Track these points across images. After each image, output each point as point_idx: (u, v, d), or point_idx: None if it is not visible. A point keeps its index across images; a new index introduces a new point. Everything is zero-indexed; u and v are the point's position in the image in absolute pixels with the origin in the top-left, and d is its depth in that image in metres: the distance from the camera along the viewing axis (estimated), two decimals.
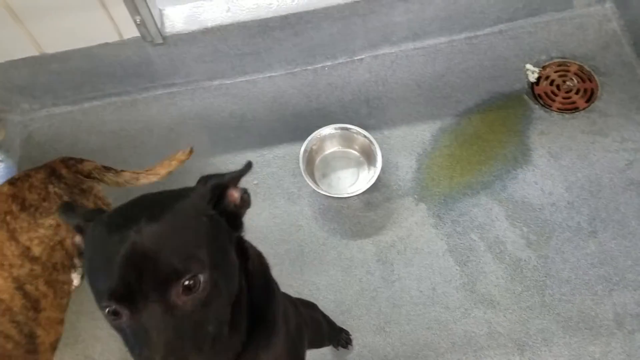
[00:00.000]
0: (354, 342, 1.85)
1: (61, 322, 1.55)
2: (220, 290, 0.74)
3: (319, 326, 1.56)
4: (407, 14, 2.24)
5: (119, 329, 0.72)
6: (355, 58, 2.39)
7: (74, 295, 2.06)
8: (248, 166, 0.87)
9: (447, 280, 1.93)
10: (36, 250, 1.47)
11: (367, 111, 2.27)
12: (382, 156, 2.06)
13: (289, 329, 1.02)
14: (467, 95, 2.26)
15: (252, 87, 2.39)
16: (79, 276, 2.07)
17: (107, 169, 1.71)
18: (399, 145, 2.19)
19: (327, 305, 1.90)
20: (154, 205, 0.76)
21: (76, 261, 2.06)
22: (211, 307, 0.72)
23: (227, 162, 2.25)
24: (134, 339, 0.69)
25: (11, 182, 1.58)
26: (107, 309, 0.70)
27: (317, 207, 2.12)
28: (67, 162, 1.67)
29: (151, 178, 1.78)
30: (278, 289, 1.02)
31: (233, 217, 0.84)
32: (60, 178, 1.61)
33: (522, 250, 1.93)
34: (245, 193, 0.87)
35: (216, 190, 0.81)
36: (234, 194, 0.85)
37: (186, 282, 0.69)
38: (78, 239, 0.84)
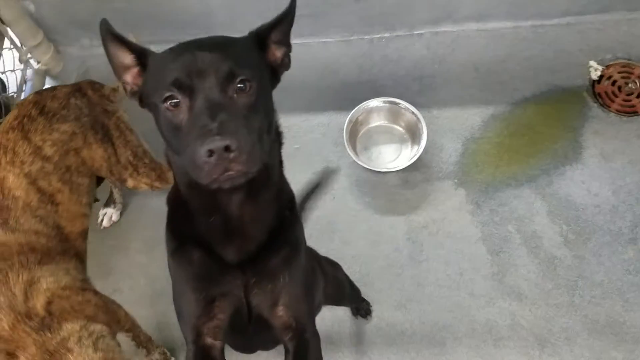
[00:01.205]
0: (373, 315, 1.92)
1: (84, 215, 1.68)
2: (263, 106, 0.89)
3: (340, 285, 1.64)
4: None
5: (176, 121, 0.85)
6: (415, 32, 2.43)
7: (110, 230, 2.21)
8: (290, 9, 0.96)
9: (476, 268, 1.97)
10: (48, 151, 1.61)
11: (418, 88, 2.31)
12: (428, 135, 2.10)
13: (305, 264, 1.09)
14: (525, 84, 2.26)
15: (306, 50, 2.45)
16: (118, 212, 2.21)
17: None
18: (446, 127, 2.23)
19: (352, 275, 1.95)
20: (215, 39, 0.92)
21: (116, 196, 2.19)
22: (257, 113, 0.86)
23: None
24: (189, 124, 0.83)
25: (37, 92, 1.78)
26: (168, 99, 0.84)
27: (354, 179, 2.18)
28: (93, 84, 1.86)
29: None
30: (301, 223, 1.11)
31: (274, 71, 0.98)
32: (84, 95, 1.80)
33: (558, 248, 1.95)
34: (286, 56, 1.00)
35: (261, 34, 0.95)
36: (276, 53, 0.98)
37: (239, 84, 0.85)
38: (128, 77, 0.97)
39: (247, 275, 0.99)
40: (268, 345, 1.34)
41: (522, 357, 1.80)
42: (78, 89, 1.81)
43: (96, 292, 1.53)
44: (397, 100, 2.19)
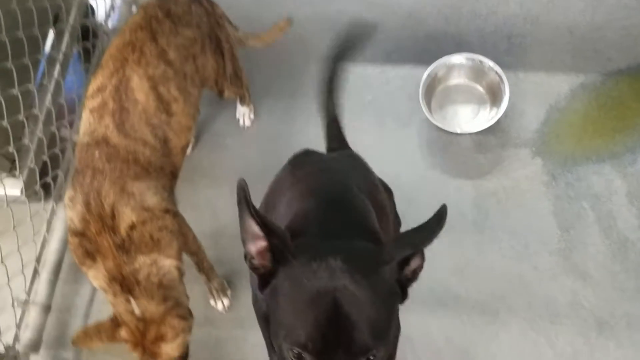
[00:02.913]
0: (427, 276, 1.97)
1: (190, 129, 1.82)
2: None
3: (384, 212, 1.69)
4: None
5: None
6: None
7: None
8: (439, 225, 0.93)
9: (542, 242, 1.97)
10: (172, 55, 1.73)
11: (506, 47, 2.27)
12: (510, 99, 2.08)
13: None
14: (621, 55, 2.19)
15: None
16: (252, 112, 2.35)
17: (230, 22, 2.09)
18: (531, 92, 2.19)
19: None
20: (356, 263, 0.89)
21: (247, 95, 2.30)
22: None
23: (347, 71, 2.36)
24: None
25: None
26: (293, 351, 0.84)
27: (425, 137, 2.20)
28: None
29: (257, 43, 2.24)
30: None
31: (402, 286, 0.94)
32: (201, 5, 1.91)
33: (632, 231, 1.93)
34: (420, 268, 0.95)
35: (405, 257, 0.92)
36: (412, 265, 0.94)
37: (369, 357, 0.83)
38: (253, 248, 0.94)
39: None
40: None
41: (578, 337, 1.82)
42: None
43: (175, 214, 1.68)
44: (482, 58, 2.17)
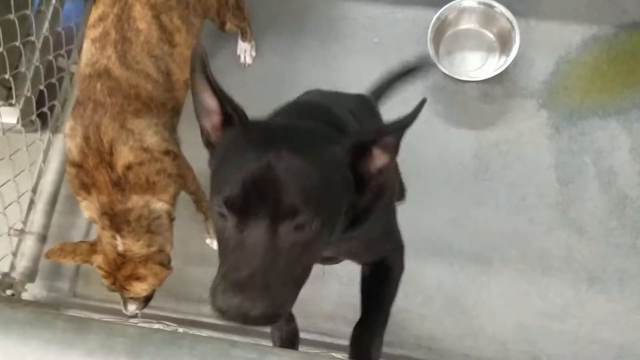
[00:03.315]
0: (422, 224, 1.99)
1: None
2: (319, 242, 0.82)
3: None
4: None
5: (220, 230, 0.81)
6: None
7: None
8: (412, 116, 0.84)
9: (541, 195, 1.98)
10: None
11: None
12: (520, 47, 2.03)
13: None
14: (637, 7, 2.13)
15: None
16: (254, 47, 2.29)
17: None
18: (541, 41, 2.14)
19: (410, 181, 2.00)
20: (301, 137, 0.85)
21: (248, 30, 2.22)
22: (307, 252, 0.81)
23: (354, 11, 2.30)
24: (228, 246, 0.79)
25: None
26: (218, 210, 0.80)
27: (430, 83, 2.17)
28: None
29: None
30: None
31: (361, 180, 0.87)
32: None
33: (632, 187, 1.93)
34: (386, 168, 0.87)
35: (365, 143, 0.85)
36: (376, 162, 0.87)
37: (298, 222, 0.77)
38: (207, 123, 0.90)
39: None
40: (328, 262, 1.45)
41: (568, 289, 1.85)
42: None
43: (175, 156, 1.65)
44: (494, 3, 2.10)
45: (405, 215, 2.02)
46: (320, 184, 0.80)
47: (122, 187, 1.54)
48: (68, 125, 1.60)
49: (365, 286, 1.15)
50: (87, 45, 1.62)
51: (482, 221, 1.98)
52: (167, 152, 1.61)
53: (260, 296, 0.74)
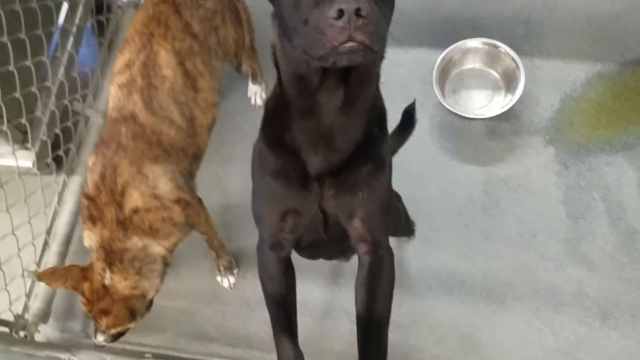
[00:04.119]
0: (433, 261, 2.00)
1: (216, 104, 1.85)
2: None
3: (398, 215, 1.73)
4: None
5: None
6: None
7: None
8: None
9: (551, 231, 1.99)
10: (196, 27, 1.75)
11: (523, 33, 2.26)
12: (525, 85, 2.08)
13: (387, 182, 1.19)
14: (639, 44, 2.17)
15: None
16: (264, 89, 2.37)
17: None
18: (546, 79, 2.19)
19: (419, 217, 2.04)
20: None
21: (259, 74, 2.31)
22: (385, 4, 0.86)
23: None
24: (315, 1, 0.80)
25: None
26: None
27: (437, 121, 2.21)
28: None
29: None
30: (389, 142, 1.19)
31: None
32: None
33: None
34: None
35: None
36: None
37: None
38: None
39: (325, 187, 1.08)
40: (335, 254, 1.50)
41: (581, 326, 1.85)
42: None
43: (186, 205, 1.69)
44: (498, 43, 2.16)
45: (416, 251, 2.05)
46: None
47: (126, 227, 1.60)
48: (91, 160, 1.67)
49: (362, 322, 1.17)
50: (114, 90, 1.69)
51: (493, 257, 1.99)
52: (178, 201, 1.66)
53: (370, 4, 0.77)
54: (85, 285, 1.64)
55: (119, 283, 1.62)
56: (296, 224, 1.14)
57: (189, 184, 1.75)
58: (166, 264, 1.73)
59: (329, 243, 1.20)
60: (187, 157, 1.72)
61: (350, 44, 0.78)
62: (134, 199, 1.58)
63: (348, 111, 1.00)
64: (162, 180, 1.62)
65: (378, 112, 1.11)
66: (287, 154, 1.07)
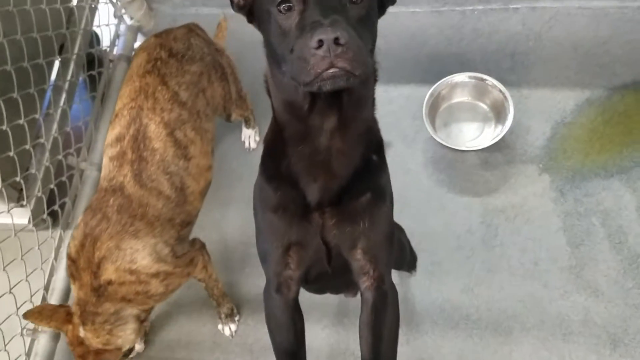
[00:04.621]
0: (437, 295, 1.98)
1: (209, 168, 1.84)
2: (371, 23, 0.95)
3: (402, 248, 1.72)
4: None
5: (284, 28, 0.90)
6: (511, 6, 2.40)
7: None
8: None
9: (553, 259, 1.97)
10: (183, 95, 1.75)
11: (509, 65, 2.29)
12: (514, 116, 2.10)
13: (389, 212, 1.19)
14: (626, 69, 2.20)
15: (393, 20, 2.48)
16: (257, 133, 2.40)
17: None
18: (535, 108, 2.21)
19: (420, 252, 2.03)
20: None
21: (251, 118, 2.34)
22: (365, 27, 0.91)
23: None
24: (300, 25, 0.87)
25: (156, 35, 1.91)
26: (281, 3, 0.89)
27: (430, 155, 2.22)
28: (198, 26, 2.01)
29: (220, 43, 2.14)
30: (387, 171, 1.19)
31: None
32: (198, 35, 1.94)
33: None
34: None
35: None
36: None
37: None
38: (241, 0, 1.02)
39: (326, 217, 1.08)
40: (341, 288, 1.49)
41: (591, 355, 1.80)
42: (190, 29, 1.95)
43: (166, 275, 1.67)
44: (484, 77, 2.19)
45: (419, 286, 2.03)
46: None
47: (99, 294, 1.61)
48: (79, 220, 1.67)
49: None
50: (105, 161, 1.71)
51: (496, 288, 1.96)
52: (156, 274, 1.64)
53: (349, 33, 0.82)
54: (69, 328, 1.65)
55: (92, 339, 1.64)
56: (301, 258, 1.12)
57: (177, 248, 1.72)
58: (142, 321, 1.72)
59: (334, 276, 1.18)
60: (174, 227, 1.70)
61: (332, 70, 0.83)
62: (109, 272, 1.58)
63: (343, 134, 1.01)
64: (141, 255, 1.61)
65: (376, 140, 1.13)
66: (287, 185, 1.08)
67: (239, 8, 1.04)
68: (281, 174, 1.08)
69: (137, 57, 1.83)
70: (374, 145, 1.11)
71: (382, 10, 1.05)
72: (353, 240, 1.10)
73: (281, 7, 0.89)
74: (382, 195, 1.13)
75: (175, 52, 1.81)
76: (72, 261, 1.64)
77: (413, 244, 2.02)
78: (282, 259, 1.12)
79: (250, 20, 1.05)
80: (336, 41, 0.81)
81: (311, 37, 0.81)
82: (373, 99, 1.08)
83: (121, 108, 1.72)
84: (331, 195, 1.06)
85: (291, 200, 1.08)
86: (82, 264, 1.60)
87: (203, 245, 1.86)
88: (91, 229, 1.60)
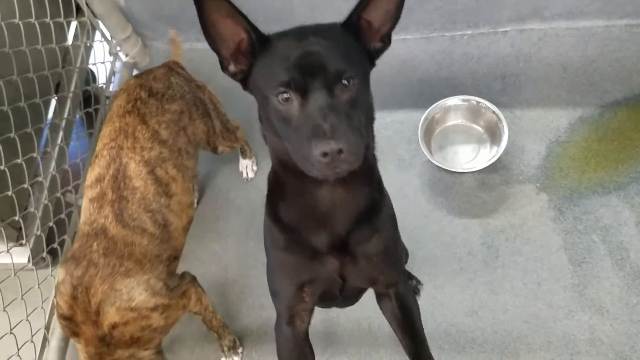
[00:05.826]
0: (442, 320, 1.94)
1: (191, 205, 1.81)
2: (363, 97, 0.99)
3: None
4: None
5: (284, 116, 0.94)
6: (499, 30, 2.41)
7: None
8: None
9: (555, 278, 1.94)
10: (164, 134, 1.73)
11: (501, 87, 2.29)
12: (509, 136, 2.09)
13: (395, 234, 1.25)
14: (616, 86, 2.20)
15: None
16: (254, 162, 2.37)
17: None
18: (529, 128, 2.20)
19: (422, 276, 2.00)
20: (319, 30, 0.99)
21: (247, 148, 2.33)
22: (357, 108, 0.96)
23: None
24: (300, 120, 0.92)
25: (136, 76, 1.91)
26: (280, 95, 0.93)
27: (427, 178, 2.20)
28: (177, 64, 2.02)
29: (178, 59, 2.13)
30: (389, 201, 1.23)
31: (370, 54, 1.05)
32: (178, 74, 1.94)
33: None
34: (386, 36, 1.03)
35: (352, 19, 1.00)
36: (375, 34, 1.03)
37: (344, 81, 0.93)
38: (227, 53, 1.02)
39: (339, 257, 1.12)
40: (347, 304, 1.50)
41: None
42: (170, 68, 1.95)
43: (164, 308, 1.63)
44: (478, 99, 2.19)
45: (423, 311, 1.95)
46: (348, 51, 0.98)
47: (108, 342, 1.56)
48: (59, 277, 1.61)
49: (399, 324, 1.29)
50: (85, 204, 1.66)
51: (501, 310, 1.93)
52: (154, 308, 1.60)
53: (347, 135, 0.88)
54: None
55: None
56: (314, 292, 1.17)
57: (169, 282, 1.69)
58: (159, 353, 1.69)
59: (343, 299, 1.26)
60: (162, 262, 1.67)
61: (335, 170, 0.90)
62: (111, 315, 1.54)
63: (345, 188, 1.05)
64: (137, 291, 1.57)
65: (376, 177, 1.16)
66: (292, 230, 1.10)
67: (231, 75, 1.04)
68: (286, 218, 1.11)
69: (117, 99, 1.83)
70: (376, 184, 1.15)
71: (372, 64, 1.07)
72: (372, 276, 1.19)
73: (279, 98, 0.94)
74: (389, 227, 1.18)
75: (155, 91, 1.80)
76: (67, 319, 1.57)
77: (415, 268, 2.00)
78: (296, 296, 1.15)
79: (244, 88, 1.06)
80: (339, 151, 0.87)
81: (316, 147, 0.87)
82: (373, 136, 1.11)
83: (101, 149, 1.70)
84: (340, 239, 1.10)
85: (300, 243, 1.11)
86: (80, 317, 1.54)
87: (194, 278, 1.82)
88: (79, 279, 1.54)
